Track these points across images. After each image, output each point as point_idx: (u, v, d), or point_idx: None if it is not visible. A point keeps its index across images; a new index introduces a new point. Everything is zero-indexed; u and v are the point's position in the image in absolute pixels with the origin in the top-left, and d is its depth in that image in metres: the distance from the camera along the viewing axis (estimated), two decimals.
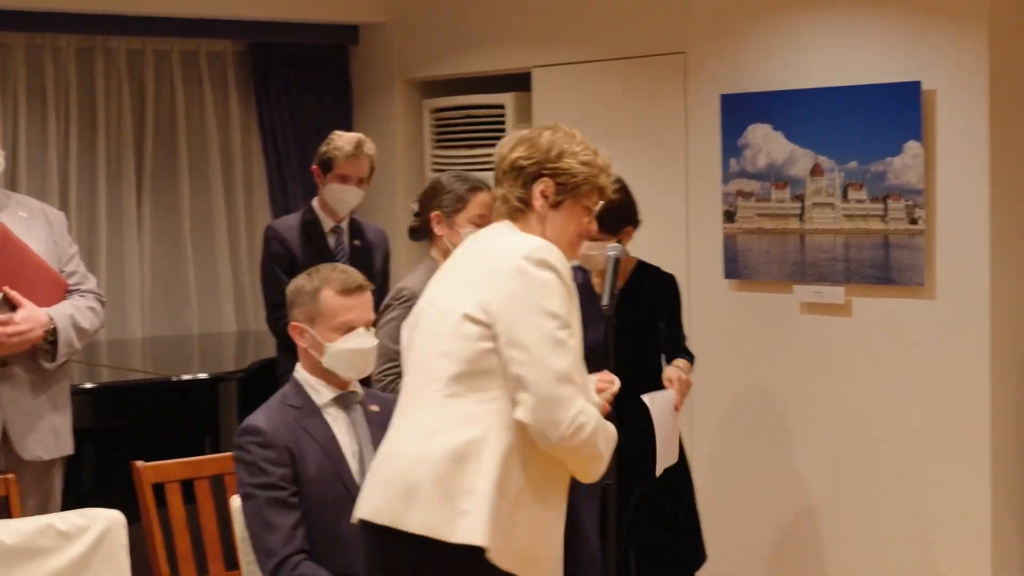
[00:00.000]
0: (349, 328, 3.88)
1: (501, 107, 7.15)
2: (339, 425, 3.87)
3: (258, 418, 3.83)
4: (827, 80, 5.70)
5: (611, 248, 4.26)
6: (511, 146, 3.32)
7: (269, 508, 3.69)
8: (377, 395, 4.07)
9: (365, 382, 4.06)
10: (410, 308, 4.24)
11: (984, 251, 5.32)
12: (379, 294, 5.66)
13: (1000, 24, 5.32)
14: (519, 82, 7.01)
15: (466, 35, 7.24)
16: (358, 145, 5.66)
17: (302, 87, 7.70)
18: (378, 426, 3.81)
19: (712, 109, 6.08)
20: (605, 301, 4.13)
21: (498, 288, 3.14)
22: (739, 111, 5.96)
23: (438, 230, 4.47)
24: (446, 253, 4.25)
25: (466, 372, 3.15)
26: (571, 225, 3.28)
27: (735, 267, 6.02)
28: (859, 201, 5.61)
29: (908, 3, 5.49)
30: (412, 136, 7.65)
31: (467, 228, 4.39)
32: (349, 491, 3.69)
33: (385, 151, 7.06)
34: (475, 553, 3.05)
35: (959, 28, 5.35)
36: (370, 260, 5.77)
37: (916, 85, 5.42)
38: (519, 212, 3.28)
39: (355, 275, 3.97)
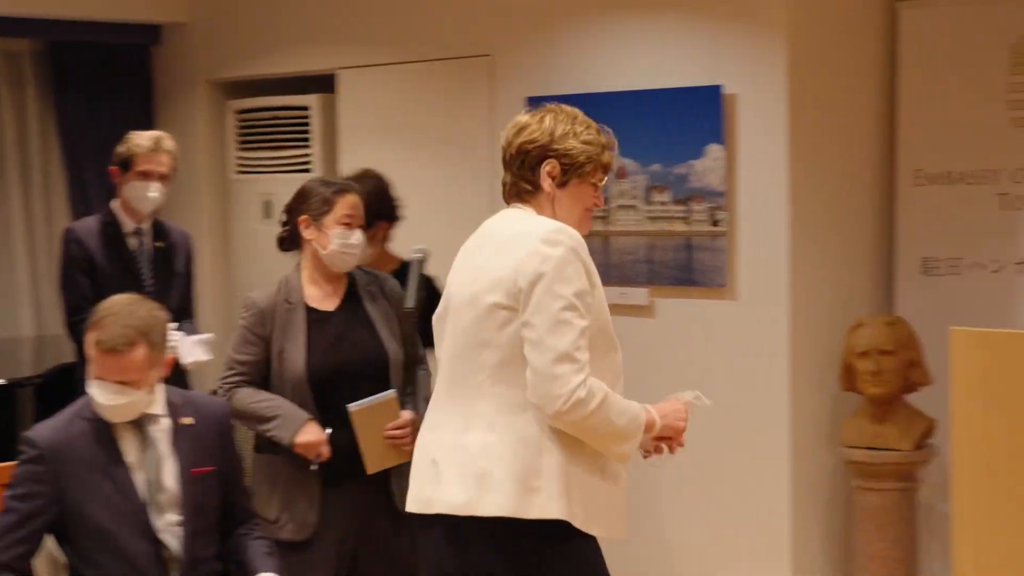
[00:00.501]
0: None
1: (306, 109, 7.04)
2: (128, 441, 3.72)
3: (40, 429, 3.73)
4: (631, 83, 5.73)
5: (416, 250, 4.21)
6: (515, 132, 3.41)
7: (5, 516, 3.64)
8: (201, 404, 3.90)
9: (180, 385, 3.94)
10: (257, 321, 4.15)
11: (784, 253, 5.40)
12: (182, 298, 5.51)
13: (798, 30, 5.42)
14: (325, 84, 6.90)
15: (270, 36, 7.10)
16: (157, 141, 5.50)
17: (103, 88, 7.46)
18: (190, 439, 3.74)
19: (518, 112, 5.94)
20: (410, 304, 4.07)
21: (520, 271, 3.22)
22: None
23: (307, 234, 4.39)
24: (315, 257, 4.33)
25: (509, 359, 3.25)
26: (579, 202, 3.37)
27: None
28: (662, 203, 5.64)
29: (709, 9, 5.56)
30: (215, 138, 7.48)
31: (335, 230, 4.34)
32: (134, 508, 3.65)
33: (188, 153, 6.88)
34: (553, 527, 3.19)
35: (758, 33, 5.42)
36: (172, 262, 5.60)
37: (717, 89, 5.47)
38: (529, 194, 3.37)
39: None
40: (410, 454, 3.65)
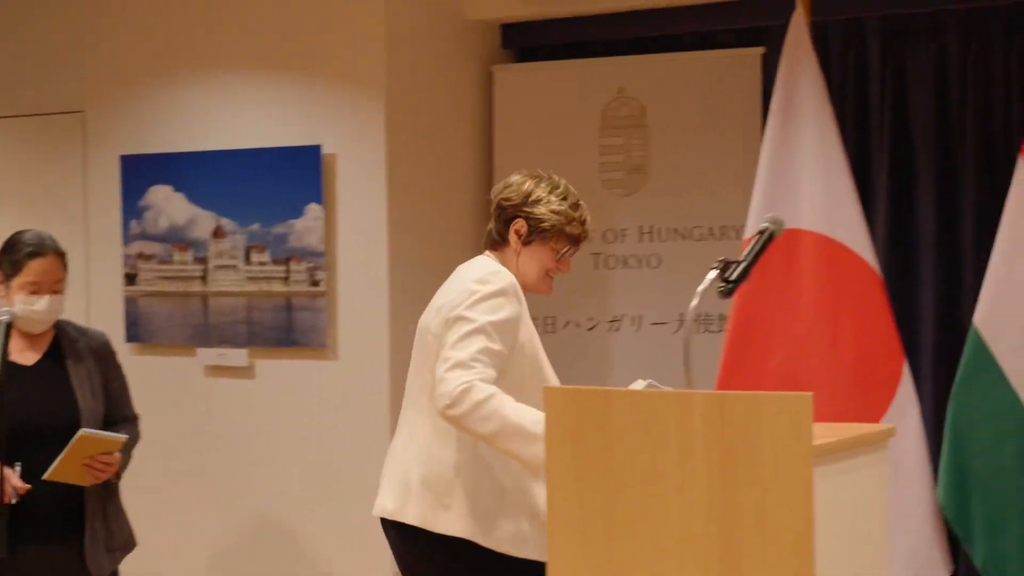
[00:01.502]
0: None
1: None
2: None
3: None
4: (229, 142, 5.64)
5: (3, 312, 3.96)
6: (501, 187, 3.75)
7: None
8: None
9: None
10: None
11: (384, 312, 5.38)
12: None
13: (397, 90, 5.46)
14: None
15: None
16: None
17: None
18: None
19: (112, 170, 5.82)
20: None
21: (451, 304, 3.54)
22: (139, 172, 5.77)
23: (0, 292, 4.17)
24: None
25: None
26: (539, 262, 3.67)
27: (137, 331, 5.77)
28: (262, 263, 5.54)
29: (308, 69, 5.54)
30: None
31: (19, 295, 4.17)
32: None
33: None
34: (462, 544, 3.47)
35: (357, 94, 5.43)
36: None
37: (316, 149, 5.42)
38: (499, 245, 3.70)
39: None
40: (88, 482, 4.05)
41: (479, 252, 5.81)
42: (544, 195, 3.66)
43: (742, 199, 4.94)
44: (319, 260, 5.44)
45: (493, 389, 3.38)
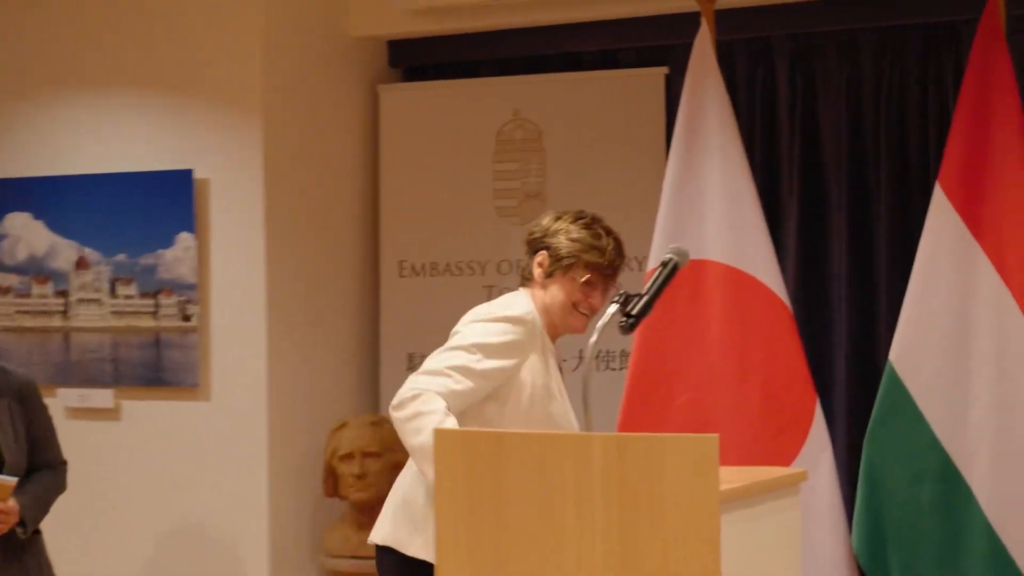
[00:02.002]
0: None
1: None
2: None
3: None
4: (93, 166, 5.56)
5: None
6: (533, 224, 3.80)
7: None
8: None
9: None
10: None
11: (261, 349, 5.32)
12: None
13: (274, 112, 5.39)
14: None
15: None
16: None
17: None
18: None
19: None
20: None
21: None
22: None
23: None
24: None
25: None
26: (561, 294, 3.66)
27: None
28: (128, 297, 5.47)
29: (180, 87, 5.46)
30: None
31: None
32: None
33: None
34: (431, 567, 3.37)
35: (232, 114, 5.38)
36: None
37: (188, 173, 5.33)
38: (527, 280, 3.73)
39: None
40: None
41: (364, 284, 5.84)
42: (565, 225, 3.70)
43: (645, 227, 4.93)
44: (190, 293, 5.36)
45: (441, 405, 3.40)
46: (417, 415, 3.38)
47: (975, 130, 4.50)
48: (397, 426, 3.44)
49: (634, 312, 3.26)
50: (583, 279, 3.66)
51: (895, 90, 5.33)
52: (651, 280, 3.36)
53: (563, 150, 5.70)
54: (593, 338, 3.17)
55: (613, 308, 3.25)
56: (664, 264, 3.42)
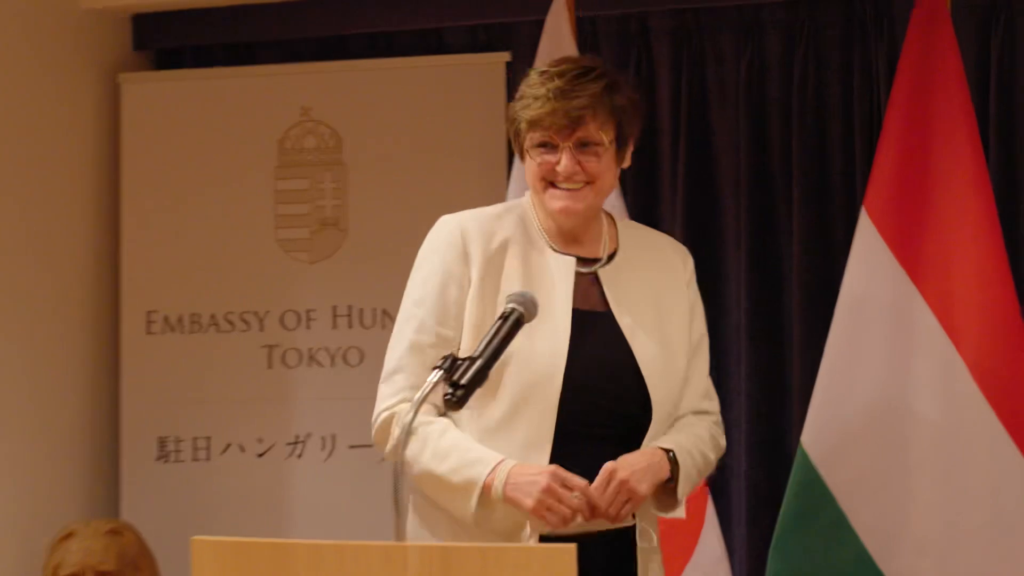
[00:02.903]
0: None
1: None
2: None
3: None
4: None
5: None
6: None
7: None
8: None
9: None
10: None
11: None
12: None
13: None
14: None
15: None
16: None
17: None
18: None
19: None
20: None
21: None
22: None
23: None
24: None
25: None
26: (528, 172, 3.77)
27: None
28: None
29: None
30: None
31: None
32: None
33: None
34: None
35: None
36: None
37: None
38: None
39: None
40: None
41: (99, 343, 5.75)
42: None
43: None
44: None
45: (420, 424, 3.53)
46: (395, 447, 3.44)
47: (912, 138, 4.58)
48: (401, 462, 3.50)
49: (464, 382, 3.24)
50: (536, 143, 3.71)
51: (809, 84, 5.42)
52: (485, 338, 3.35)
53: (369, 163, 5.74)
54: (408, 416, 3.15)
55: (435, 376, 3.23)
56: (504, 317, 3.40)
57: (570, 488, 3.49)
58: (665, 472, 3.61)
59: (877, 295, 4.55)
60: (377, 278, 5.62)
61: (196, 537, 3.15)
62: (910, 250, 4.55)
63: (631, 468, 3.55)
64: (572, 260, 3.69)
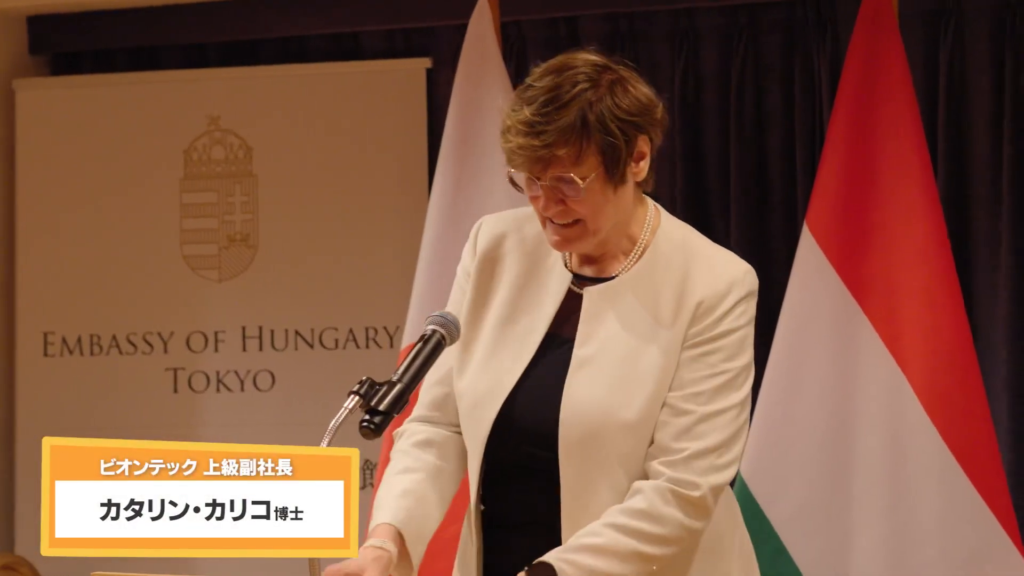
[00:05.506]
0: None
1: None
2: None
3: None
4: None
5: None
6: None
7: None
8: None
9: None
10: None
11: None
12: None
13: None
14: None
15: None
16: None
17: None
18: None
19: None
20: None
21: None
22: None
23: None
24: None
25: None
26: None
27: None
28: None
29: None
30: None
31: None
32: None
33: None
34: None
35: None
36: None
37: None
38: None
39: None
40: None
41: None
42: None
43: (402, 284, 4.92)
44: None
45: (403, 444, 3.49)
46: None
47: (856, 150, 4.56)
48: None
49: (382, 408, 3.16)
50: (523, 178, 3.50)
51: (748, 93, 5.40)
52: (405, 361, 3.28)
53: (281, 175, 5.71)
54: (324, 442, 3.06)
55: (351, 402, 3.15)
56: (424, 339, 3.33)
57: None
58: None
59: (819, 316, 4.50)
60: (289, 297, 5.65)
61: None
62: (854, 268, 4.51)
63: None
64: (568, 277, 3.52)
